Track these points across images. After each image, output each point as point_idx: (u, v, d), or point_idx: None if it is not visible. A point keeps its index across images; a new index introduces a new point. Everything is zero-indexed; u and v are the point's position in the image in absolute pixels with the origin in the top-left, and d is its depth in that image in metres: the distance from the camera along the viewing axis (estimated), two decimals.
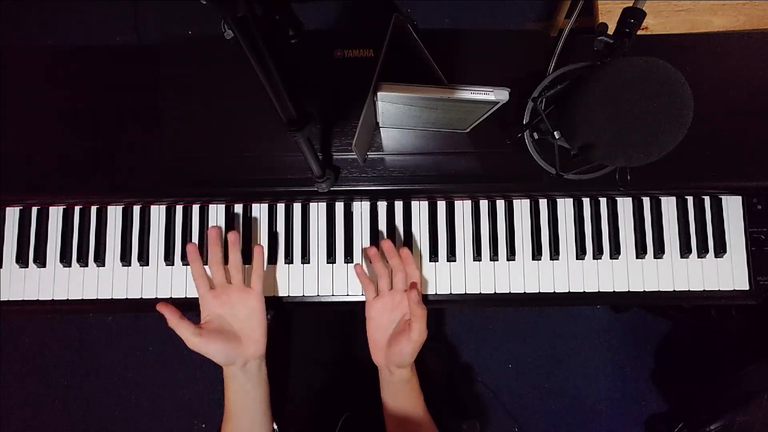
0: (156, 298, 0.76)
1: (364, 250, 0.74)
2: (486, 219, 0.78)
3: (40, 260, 0.76)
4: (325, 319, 0.93)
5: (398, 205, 0.78)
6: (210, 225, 0.77)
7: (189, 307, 0.79)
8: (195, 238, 0.77)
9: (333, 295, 0.76)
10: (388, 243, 0.70)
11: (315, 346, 0.89)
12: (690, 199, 0.78)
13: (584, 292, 0.77)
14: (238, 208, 0.78)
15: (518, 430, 1.44)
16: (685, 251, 0.77)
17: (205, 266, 0.69)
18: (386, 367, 0.66)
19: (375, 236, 0.77)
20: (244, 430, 0.65)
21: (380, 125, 0.71)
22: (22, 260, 0.76)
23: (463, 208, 0.78)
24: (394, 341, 0.64)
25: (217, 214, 0.78)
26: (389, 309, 0.66)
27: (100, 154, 0.73)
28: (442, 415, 0.84)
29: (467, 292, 0.77)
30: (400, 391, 0.65)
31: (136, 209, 0.78)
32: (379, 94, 0.54)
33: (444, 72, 0.58)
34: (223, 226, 0.77)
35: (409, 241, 0.77)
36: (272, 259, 0.77)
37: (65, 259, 0.76)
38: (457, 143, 0.71)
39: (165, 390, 1.45)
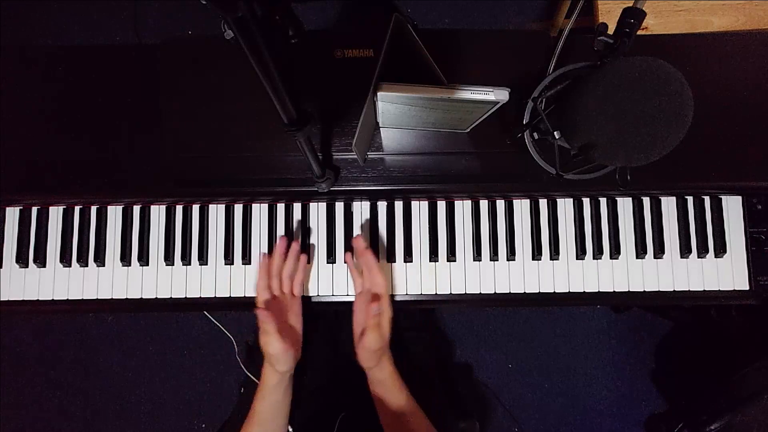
0: (156, 298, 0.76)
1: (353, 240, 0.74)
2: (486, 219, 0.78)
3: (40, 260, 0.76)
4: (322, 319, 0.93)
5: (398, 205, 0.78)
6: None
7: (188, 307, 0.79)
8: (195, 238, 0.77)
9: (333, 295, 0.76)
10: (358, 241, 0.69)
11: (311, 346, 0.89)
12: (690, 199, 0.78)
13: (584, 292, 0.77)
14: (238, 208, 0.78)
15: (518, 430, 1.44)
16: (685, 251, 0.77)
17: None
18: (365, 367, 0.68)
19: (375, 236, 0.77)
20: None
21: (380, 125, 0.70)
22: (22, 260, 0.76)
23: (463, 208, 0.78)
24: (358, 341, 0.65)
25: (217, 214, 0.78)
26: (364, 307, 0.67)
27: (100, 153, 0.73)
28: (441, 414, 0.84)
29: (467, 292, 0.77)
30: (383, 386, 0.67)
31: (136, 209, 0.78)
32: (379, 94, 0.54)
33: (444, 72, 0.58)
34: (223, 226, 0.78)
35: (409, 241, 0.77)
36: None
37: (65, 259, 0.76)
38: (457, 143, 0.71)
39: (165, 390, 1.45)
